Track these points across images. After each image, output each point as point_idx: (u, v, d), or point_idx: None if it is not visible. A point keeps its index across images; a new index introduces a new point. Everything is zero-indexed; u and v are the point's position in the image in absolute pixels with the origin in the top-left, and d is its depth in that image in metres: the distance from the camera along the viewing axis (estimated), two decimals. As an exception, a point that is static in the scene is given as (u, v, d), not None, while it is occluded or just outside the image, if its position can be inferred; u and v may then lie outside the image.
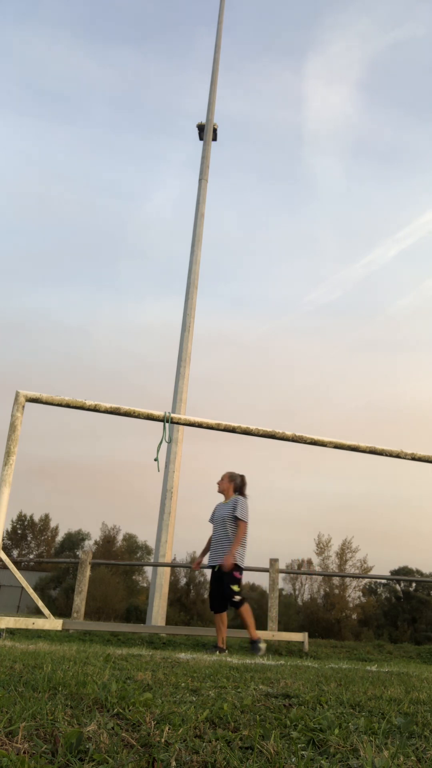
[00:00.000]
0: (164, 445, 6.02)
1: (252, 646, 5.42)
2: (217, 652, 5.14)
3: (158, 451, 5.78)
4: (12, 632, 6.69)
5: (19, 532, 44.00)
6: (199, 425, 5.97)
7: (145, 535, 42.88)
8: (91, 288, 65.63)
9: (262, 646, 5.40)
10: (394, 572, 32.49)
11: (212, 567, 5.52)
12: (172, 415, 5.94)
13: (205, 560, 5.73)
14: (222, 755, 1.28)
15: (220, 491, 5.79)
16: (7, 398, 5.72)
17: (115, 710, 1.70)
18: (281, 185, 59.65)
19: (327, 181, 59.45)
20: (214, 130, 13.67)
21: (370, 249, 65.17)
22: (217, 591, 5.43)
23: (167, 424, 5.86)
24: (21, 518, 44.41)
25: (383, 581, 35.04)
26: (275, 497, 51.33)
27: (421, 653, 8.03)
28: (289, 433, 6.07)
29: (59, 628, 5.37)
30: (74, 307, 63.58)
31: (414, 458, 6.32)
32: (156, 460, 5.88)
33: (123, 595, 31.31)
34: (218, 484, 5.83)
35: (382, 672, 4.01)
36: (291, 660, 5.40)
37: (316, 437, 6.19)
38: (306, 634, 6.77)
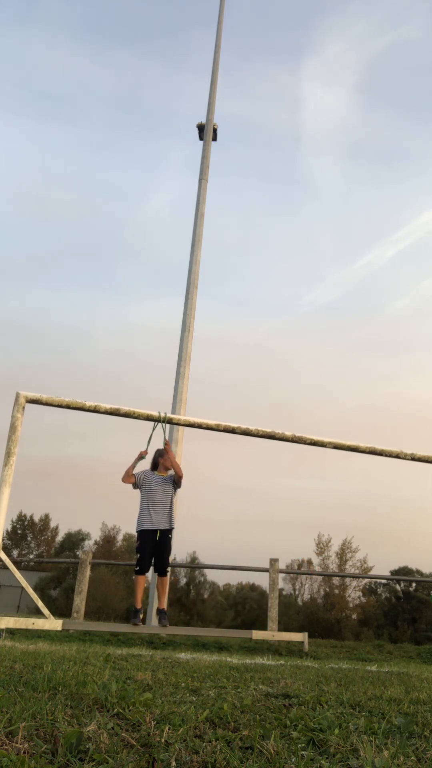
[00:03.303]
0: (160, 440, 6.06)
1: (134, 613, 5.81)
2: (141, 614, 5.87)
3: (149, 443, 5.98)
4: (12, 632, 6.69)
5: (19, 532, 43.98)
6: (199, 426, 5.97)
7: (145, 535, 42.77)
8: (91, 288, 65.54)
9: (138, 618, 5.75)
10: (394, 572, 32.48)
11: (157, 530, 5.75)
12: (171, 415, 5.93)
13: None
14: (222, 755, 1.28)
15: (166, 467, 6.06)
16: (7, 399, 5.72)
17: (115, 710, 1.70)
18: (280, 186, 59.61)
19: (326, 181, 59.40)
20: (214, 130, 13.66)
21: (368, 249, 65.12)
22: (152, 554, 5.75)
23: (165, 425, 5.88)
24: (21, 518, 44.40)
25: (383, 581, 35.02)
26: (275, 497, 51.40)
27: (421, 653, 8.03)
28: (288, 433, 6.07)
29: (59, 628, 5.38)
30: (74, 307, 63.51)
31: (414, 458, 6.33)
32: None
33: (123, 595, 31.23)
34: (168, 460, 6.08)
35: (382, 672, 4.01)
36: (291, 660, 5.40)
37: (316, 437, 6.20)
38: (306, 634, 6.76)
